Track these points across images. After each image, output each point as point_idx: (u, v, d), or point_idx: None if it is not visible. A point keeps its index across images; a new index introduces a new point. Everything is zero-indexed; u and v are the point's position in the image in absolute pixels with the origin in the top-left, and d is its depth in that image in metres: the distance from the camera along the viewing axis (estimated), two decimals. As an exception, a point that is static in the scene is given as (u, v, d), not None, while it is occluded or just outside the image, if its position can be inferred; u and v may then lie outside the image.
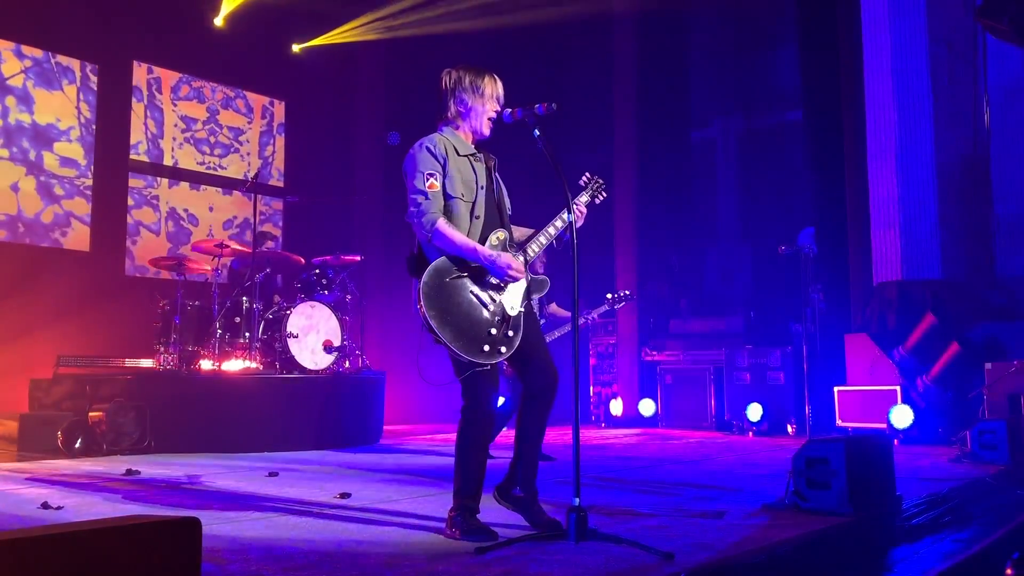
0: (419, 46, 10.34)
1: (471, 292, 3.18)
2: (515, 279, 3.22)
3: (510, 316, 3.21)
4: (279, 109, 10.89)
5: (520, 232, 3.49)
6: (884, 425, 7.11)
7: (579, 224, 3.38)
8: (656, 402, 9.50)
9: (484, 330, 3.15)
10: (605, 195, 3.60)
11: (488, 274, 3.20)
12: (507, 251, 3.27)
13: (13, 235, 8.56)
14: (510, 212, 3.50)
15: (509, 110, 3.37)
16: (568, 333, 6.33)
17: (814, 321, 8.01)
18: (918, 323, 7.46)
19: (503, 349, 3.17)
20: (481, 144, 3.45)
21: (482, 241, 3.25)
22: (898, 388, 7.27)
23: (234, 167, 10.34)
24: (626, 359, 10.11)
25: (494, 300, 3.20)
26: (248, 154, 10.50)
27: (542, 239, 3.38)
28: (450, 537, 3.11)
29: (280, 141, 10.87)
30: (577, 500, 2.95)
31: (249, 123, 10.56)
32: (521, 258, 3.29)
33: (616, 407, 9.76)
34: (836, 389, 7.72)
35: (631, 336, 10.12)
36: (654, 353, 9.67)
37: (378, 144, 11.07)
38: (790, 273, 8.44)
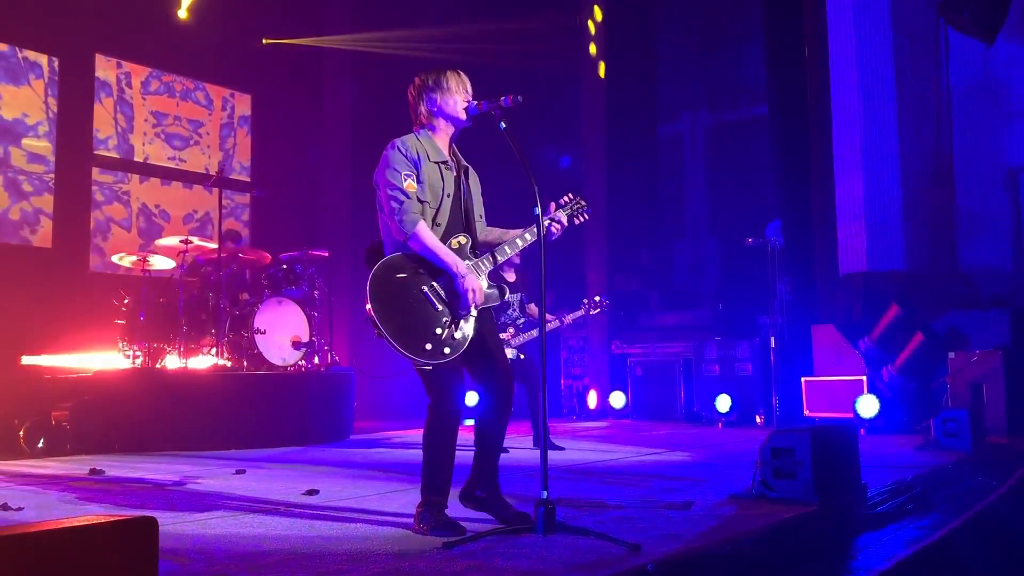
0: (384, 40, 10.28)
1: (422, 289, 3.16)
2: (471, 304, 3.17)
3: (457, 317, 3.18)
4: (240, 101, 10.75)
5: (495, 234, 3.49)
6: (851, 415, 7.20)
7: (554, 238, 3.44)
8: (627, 394, 9.56)
9: (430, 329, 3.12)
10: (587, 217, 3.57)
11: (441, 275, 3.19)
12: (468, 259, 3.27)
13: (-19, 233, 8.39)
14: (482, 215, 3.48)
15: (475, 103, 3.35)
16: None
17: (781, 313, 8.09)
18: (883, 314, 7.56)
19: (447, 350, 3.13)
20: (458, 144, 3.44)
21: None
22: (864, 378, 7.37)
23: (193, 159, 10.19)
24: (597, 352, 10.16)
25: (444, 301, 3.18)
26: (208, 147, 10.36)
27: (507, 249, 3.39)
28: (418, 532, 3.10)
29: (242, 134, 10.74)
30: (545, 493, 2.95)
31: (209, 115, 10.41)
32: (483, 286, 3.26)
33: (591, 400, 9.81)
34: (803, 380, 7.80)
35: (601, 330, 10.17)
36: (624, 346, 9.72)
37: (345, 139, 11.03)
38: (757, 266, 8.51)
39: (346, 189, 10.60)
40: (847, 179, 8.29)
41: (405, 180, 3.20)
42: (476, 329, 3.25)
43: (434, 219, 3.26)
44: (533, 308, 6.59)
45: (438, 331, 3.13)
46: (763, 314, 8.59)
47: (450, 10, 10.33)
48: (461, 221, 3.35)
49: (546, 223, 3.39)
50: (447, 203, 3.30)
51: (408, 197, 3.18)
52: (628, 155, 10.81)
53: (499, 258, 3.37)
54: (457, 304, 3.18)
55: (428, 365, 3.13)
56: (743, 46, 11.24)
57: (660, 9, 11.54)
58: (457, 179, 3.38)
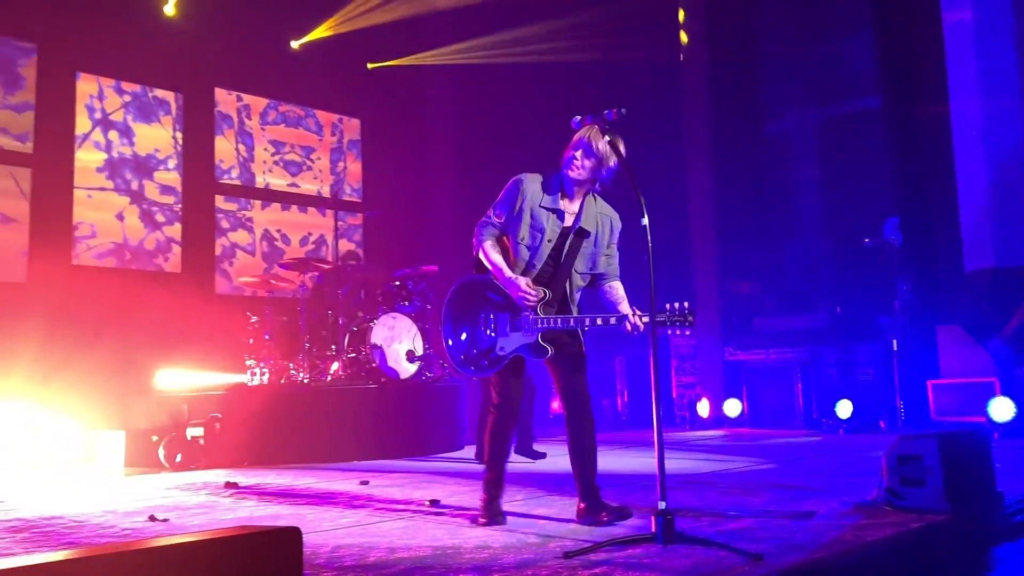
0: (488, 51, 10.46)
1: (483, 313, 3.58)
2: (522, 300, 3.46)
3: (494, 353, 3.54)
4: (348, 126, 11.15)
5: (613, 295, 3.64)
6: (983, 419, 6.84)
7: (628, 331, 3.43)
8: (742, 402, 9.35)
9: (469, 348, 3.59)
10: (688, 332, 3.41)
11: (506, 310, 3.54)
12: (535, 289, 3.48)
13: (120, 261, 9.02)
14: (589, 269, 3.63)
15: (578, 117, 3.41)
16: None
17: (903, 313, 7.77)
18: (1014, 311, 7.16)
19: (472, 370, 3.60)
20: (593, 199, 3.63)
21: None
22: (996, 380, 6.99)
23: (307, 184, 10.65)
24: (709, 359, 9.99)
25: (492, 333, 3.55)
26: (320, 171, 10.80)
27: (568, 322, 3.50)
28: (481, 525, 3.55)
29: (351, 157, 11.14)
30: (663, 503, 2.96)
31: (320, 140, 10.86)
32: (537, 291, 3.47)
33: (703, 408, 9.65)
34: (929, 383, 7.47)
35: (712, 335, 10.00)
36: (738, 352, 9.52)
37: (450, 155, 11.28)
38: (875, 265, 8.21)
39: (452, 204, 10.82)
40: (969, 171, 7.90)
41: (497, 210, 3.63)
42: (553, 357, 3.54)
43: (530, 260, 3.55)
44: None
45: (474, 352, 3.57)
46: (884, 315, 8.27)
47: (544, 9, 10.38)
48: (553, 270, 3.58)
49: (627, 316, 3.44)
50: (546, 248, 3.55)
51: (491, 224, 3.62)
52: (734, 154, 10.61)
53: (556, 325, 3.49)
54: (503, 333, 3.52)
55: (458, 372, 3.69)
56: (850, 36, 10.86)
57: (763, 3, 11.28)
58: (564, 232, 3.57)
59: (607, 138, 3.40)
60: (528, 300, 3.46)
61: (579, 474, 3.60)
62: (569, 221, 3.58)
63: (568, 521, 3.58)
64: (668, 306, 3.35)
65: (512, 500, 4.33)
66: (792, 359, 9.01)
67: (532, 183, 3.57)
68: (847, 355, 8.54)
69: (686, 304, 3.34)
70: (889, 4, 9.16)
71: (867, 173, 10.09)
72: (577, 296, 3.66)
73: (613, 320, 3.46)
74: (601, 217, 3.65)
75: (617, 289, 3.68)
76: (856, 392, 8.27)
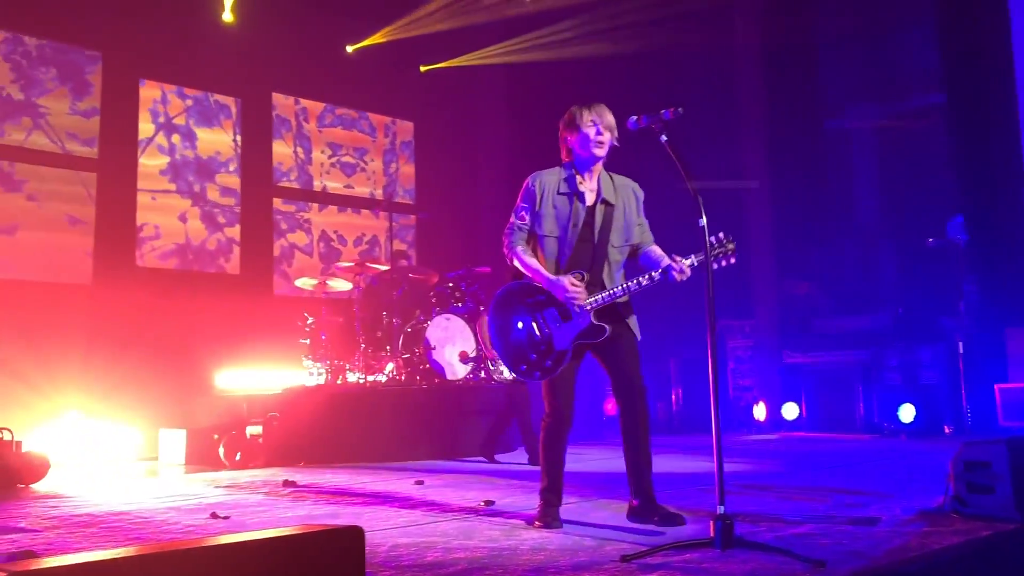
0: (537, 61, 10.46)
1: (529, 316, 3.54)
2: (571, 301, 3.46)
3: (555, 349, 3.49)
4: (401, 128, 11.27)
5: (655, 253, 3.64)
6: (1054, 424, 6.62)
7: (679, 279, 3.43)
8: (800, 405, 9.18)
9: (526, 353, 3.52)
10: (732, 261, 3.44)
11: (551, 305, 3.51)
12: (579, 284, 3.48)
13: (183, 262, 9.25)
14: (625, 241, 3.63)
15: (635, 117, 3.38)
16: None
17: (969, 315, 7.55)
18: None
19: (538, 374, 3.51)
20: (610, 167, 3.65)
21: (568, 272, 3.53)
22: (1068, 384, 6.76)
23: (360, 186, 10.79)
24: (765, 361, 9.83)
25: (545, 330, 3.51)
26: (373, 173, 10.93)
27: (632, 284, 3.50)
28: (538, 528, 3.51)
29: (403, 159, 11.25)
30: (721, 507, 2.92)
31: (373, 142, 10.99)
32: (581, 286, 3.47)
33: (759, 412, 9.49)
34: (997, 387, 7.25)
35: (770, 337, 9.83)
36: (796, 354, 9.35)
37: (501, 156, 11.30)
38: (939, 265, 8.00)
39: (505, 205, 10.81)
40: (1039, 167, 7.65)
41: (519, 213, 3.64)
42: (606, 348, 3.52)
43: (559, 248, 3.55)
44: None
45: (533, 356, 3.50)
46: (948, 317, 8.05)
47: (596, 5, 10.32)
48: (590, 251, 3.55)
49: (670, 265, 3.46)
50: (574, 234, 3.55)
51: (517, 229, 3.63)
52: (792, 152, 10.42)
53: (608, 299, 3.49)
54: (553, 330, 3.48)
55: (524, 380, 3.60)
56: (912, 32, 10.58)
57: (819, -2, 11.06)
58: (591, 209, 3.56)
59: (592, 106, 3.56)
60: (576, 299, 3.46)
61: (632, 470, 3.56)
62: (591, 199, 3.60)
63: (622, 528, 3.54)
64: (708, 242, 3.32)
65: (567, 502, 4.32)
66: (852, 361, 8.80)
67: (546, 175, 3.63)
68: (910, 358, 8.32)
69: (720, 234, 3.42)
70: (952, -3, 8.91)
71: (930, 170, 9.82)
72: (618, 274, 3.62)
73: (657, 275, 3.44)
74: (622, 188, 3.66)
75: (656, 250, 3.67)
76: (919, 396, 8.05)
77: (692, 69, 11.01)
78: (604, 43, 10.21)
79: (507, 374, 6.73)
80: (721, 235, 3.43)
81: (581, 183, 3.60)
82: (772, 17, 10.43)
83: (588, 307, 3.47)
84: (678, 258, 3.44)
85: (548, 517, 3.57)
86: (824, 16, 11.09)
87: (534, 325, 3.53)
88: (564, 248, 3.56)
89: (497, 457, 6.87)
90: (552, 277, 3.50)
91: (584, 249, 3.56)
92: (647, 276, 3.47)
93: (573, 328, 3.49)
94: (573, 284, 3.46)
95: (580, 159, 3.60)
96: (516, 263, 3.62)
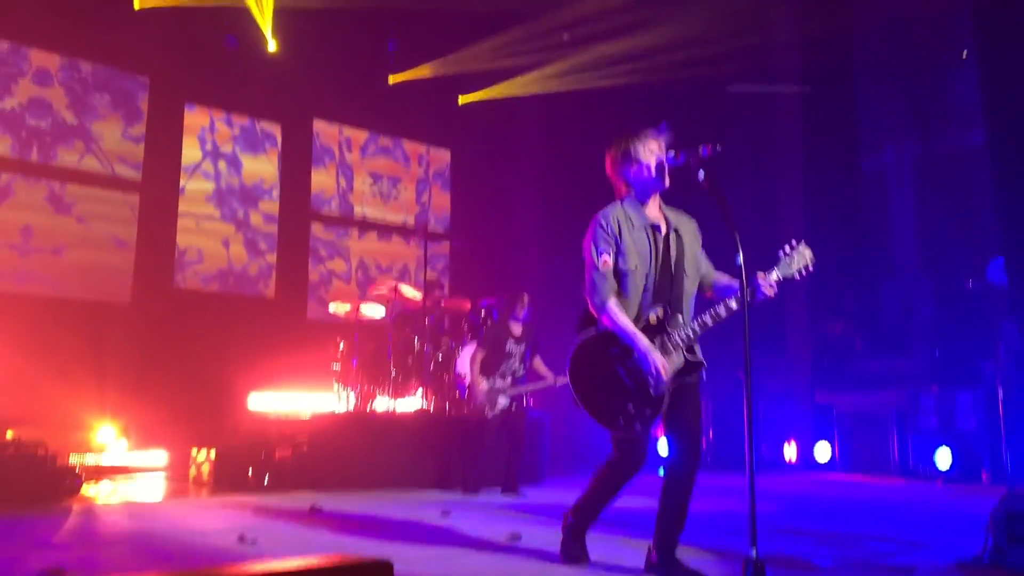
0: (574, 91, 10.52)
1: (616, 369, 3.29)
2: (657, 383, 3.23)
3: (655, 395, 3.25)
4: (436, 156, 11.39)
5: (722, 281, 3.49)
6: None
7: (763, 299, 3.34)
8: (832, 446, 9.01)
9: (623, 405, 3.26)
10: (811, 269, 3.41)
11: (638, 356, 3.27)
12: (663, 330, 3.30)
13: (224, 286, 9.39)
14: (696, 269, 3.49)
15: (672, 152, 3.37)
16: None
17: (1008, 359, 7.40)
18: None
19: (638, 426, 3.26)
20: (667, 199, 3.50)
21: (644, 312, 3.33)
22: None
23: (393, 214, 10.90)
24: (798, 401, 9.69)
25: (636, 379, 3.27)
26: (407, 201, 11.04)
27: (708, 320, 3.34)
28: (563, 563, 3.49)
29: (436, 187, 11.36)
30: (754, 551, 2.87)
31: (407, 171, 11.12)
32: (672, 349, 3.29)
33: (790, 452, 9.34)
34: (1038, 434, 7.07)
35: (803, 376, 9.70)
36: (829, 394, 9.20)
37: (536, 186, 11.36)
38: (978, 307, 7.86)
39: (537, 234, 10.86)
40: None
41: (601, 256, 3.35)
42: (678, 401, 3.31)
43: (644, 284, 3.34)
44: (538, 362, 6.92)
45: (630, 407, 3.25)
46: (987, 360, 7.89)
47: (630, 38, 10.37)
48: (668, 283, 3.38)
49: (756, 281, 3.33)
50: (655, 267, 3.36)
51: (603, 277, 3.33)
52: (828, 190, 10.35)
53: (696, 331, 3.33)
54: (647, 382, 3.25)
55: (620, 435, 3.31)
56: (952, 69, 10.50)
57: (859, 35, 11.03)
58: (667, 239, 3.42)
59: (640, 135, 3.41)
60: (662, 380, 3.23)
61: (662, 525, 3.37)
62: (664, 229, 3.45)
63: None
64: (782, 253, 3.33)
65: (594, 538, 4.27)
66: (887, 403, 8.63)
67: (616, 210, 3.42)
68: (946, 401, 8.15)
69: (793, 241, 3.38)
70: (994, 34, 8.82)
71: (969, 211, 9.69)
72: (692, 307, 3.46)
73: (749, 295, 3.19)
74: (682, 218, 3.53)
75: (724, 276, 3.52)
76: (956, 441, 7.88)
77: (728, 105, 11.02)
78: (640, 76, 10.25)
79: (502, 404, 6.74)
80: (793, 242, 3.39)
81: (649, 214, 3.45)
82: (810, 55, 10.41)
83: (679, 341, 3.30)
84: (762, 274, 3.34)
85: (576, 552, 3.53)
86: (862, 54, 11.06)
87: (624, 374, 3.29)
88: (648, 283, 3.36)
89: (521, 489, 6.82)
90: (646, 344, 3.25)
91: (664, 282, 3.39)
92: (733, 299, 3.29)
93: (667, 368, 3.27)
94: (663, 367, 3.22)
95: (642, 189, 3.43)
96: (609, 319, 3.31)
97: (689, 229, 3.52)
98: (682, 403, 3.35)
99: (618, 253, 3.35)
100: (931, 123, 11.01)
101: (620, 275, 3.36)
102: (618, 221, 3.38)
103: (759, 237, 9.93)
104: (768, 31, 10.60)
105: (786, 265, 3.38)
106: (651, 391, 3.25)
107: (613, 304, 3.31)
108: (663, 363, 3.23)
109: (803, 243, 3.41)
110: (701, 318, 3.33)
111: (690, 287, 3.45)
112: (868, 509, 5.73)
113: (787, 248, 3.39)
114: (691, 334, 3.31)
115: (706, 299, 3.51)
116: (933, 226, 10.54)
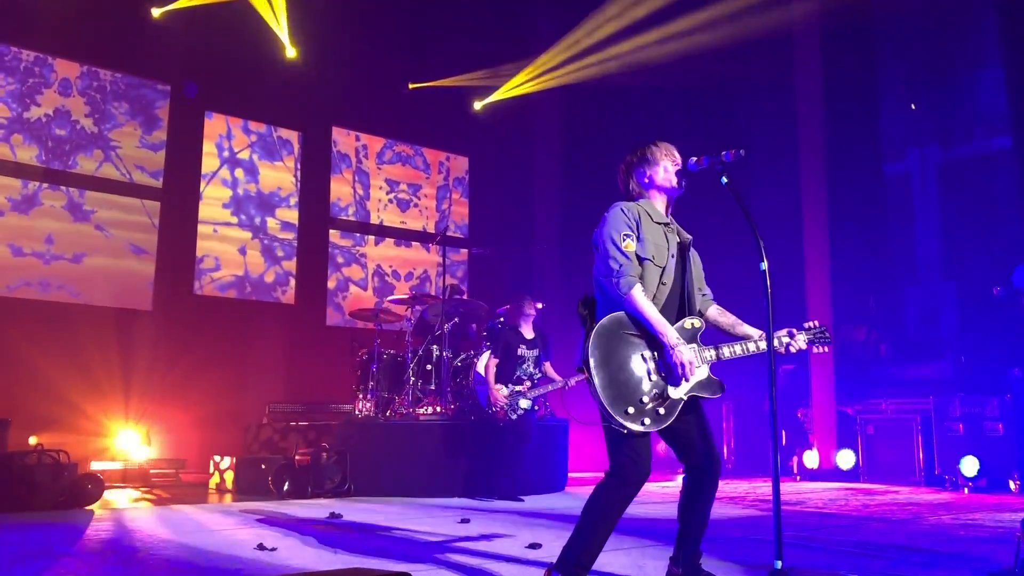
0: (593, 96, 10.49)
1: (642, 355, 3.05)
2: (682, 377, 3.03)
3: (669, 396, 3.03)
4: (455, 164, 11.39)
5: (728, 320, 3.36)
6: None
7: (794, 350, 3.31)
8: (856, 454, 8.90)
9: (637, 394, 2.99)
10: (827, 349, 3.39)
11: (663, 348, 3.06)
12: (695, 341, 3.14)
13: (241, 293, 9.44)
14: (704, 292, 3.40)
15: (695, 158, 3.31)
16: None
17: (1037, 366, 7.28)
18: None
19: (647, 421, 2.97)
20: (675, 217, 3.38)
21: (664, 309, 3.14)
22: None
23: (413, 221, 10.91)
24: (821, 408, 9.58)
25: (659, 372, 3.05)
26: (427, 208, 11.05)
27: (738, 349, 3.21)
28: None
29: (456, 194, 11.37)
30: (779, 563, 2.82)
31: (427, 178, 11.13)
32: (699, 358, 3.11)
33: (813, 459, 9.22)
34: (1067, 442, 6.94)
35: (827, 383, 9.59)
36: (853, 402, 9.09)
37: (555, 192, 11.34)
38: (1004, 313, 7.74)
39: (557, 240, 10.84)
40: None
41: (624, 240, 3.13)
42: (687, 410, 3.10)
43: (660, 277, 3.17)
44: (548, 366, 7.08)
45: (644, 399, 2.99)
46: (1015, 367, 7.76)
47: (662, 51, 10.32)
48: (678, 295, 3.23)
49: (785, 340, 3.29)
50: (672, 264, 3.21)
51: (627, 259, 3.10)
52: (851, 196, 10.25)
53: (725, 355, 3.19)
54: (669, 377, 3.05)
55: (624, 429, 2.98)
56: (976, 74, 10.38)
57: (881, 39, 10.93)
58: (682, 247, 3.29)
59: (659, 143, 3.35)
60: (687, 376, 3.04)
61: (682, 538, 3.24)
62: (679, 236, 3.29)
63: None
64: (807, 325, 3.35)
65: (619, 548, 4.23)
66: (912, 410, 8.52)
67: (631, 204, 3.27)
68: (973, 408, 8.03)
69: (816, 322, 3.39)
70: (1019, 38, 8.71)
71: (995, 215, 9.57)
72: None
73: (782, 347, 3.23)
74: (683, 233, 3.37)
75: (725, 311, 3.39)
76: (983, 448, 7.76)
77: (751, 109, 10.95)
78: (661, 77, 10.19)
79: (523, 406, 6.74)
80: (816, 323, 3.37)
81: (663, 216, 3.30)
82: (833, 58, 10.32)
83: (709, 357, 3.15)
84: (795, 331, 3.31)
85: None
86: (885, 57, 10.96)
87: (649, 364, 3.06)
88: (664, 277, 3.17)
89: (535, 497, 6.78)
90: (675, 337, 3.05)
91: (675, 293, 3.22)
92: (761, 340, 3.19)
93: (692, 379, 3.08)
94: (690, 363, 3.03)
95: (664, 192, 3.31)
96: (635, 307, 3.05)
97: (694, 253, 3.38)
98: (696, 412, 3.18)
99: (638, 240, 3.16)
100: (954, 128, 10.89)
101: (639, 263, 3.15)
102: (636, 211, 3.22)
103: (783, 245, 9.89)
104: (789, 35, 10.52)
105: (811, 336, 3.35)
106: (670, 388, 3.03)
107: (639, 290, 3.07)
108: (690, 360, 3.03)
109: (822, 325, 3.41)
110: (717, 348, 3.18)
111: (702, 304, 3.36)
112: (893, 518, 5.64)
113: (813, 324, 3.38)
114: (714, 356, 3.16)
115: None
116: (957, 231, 10.41)
